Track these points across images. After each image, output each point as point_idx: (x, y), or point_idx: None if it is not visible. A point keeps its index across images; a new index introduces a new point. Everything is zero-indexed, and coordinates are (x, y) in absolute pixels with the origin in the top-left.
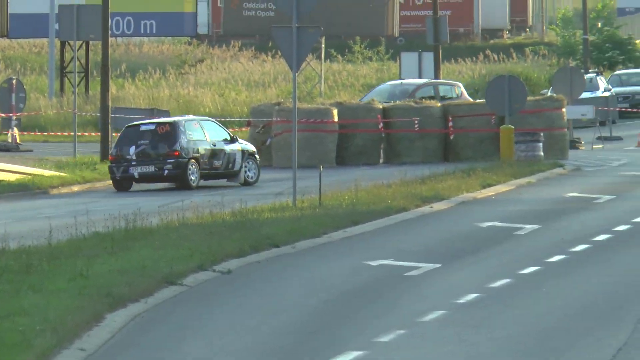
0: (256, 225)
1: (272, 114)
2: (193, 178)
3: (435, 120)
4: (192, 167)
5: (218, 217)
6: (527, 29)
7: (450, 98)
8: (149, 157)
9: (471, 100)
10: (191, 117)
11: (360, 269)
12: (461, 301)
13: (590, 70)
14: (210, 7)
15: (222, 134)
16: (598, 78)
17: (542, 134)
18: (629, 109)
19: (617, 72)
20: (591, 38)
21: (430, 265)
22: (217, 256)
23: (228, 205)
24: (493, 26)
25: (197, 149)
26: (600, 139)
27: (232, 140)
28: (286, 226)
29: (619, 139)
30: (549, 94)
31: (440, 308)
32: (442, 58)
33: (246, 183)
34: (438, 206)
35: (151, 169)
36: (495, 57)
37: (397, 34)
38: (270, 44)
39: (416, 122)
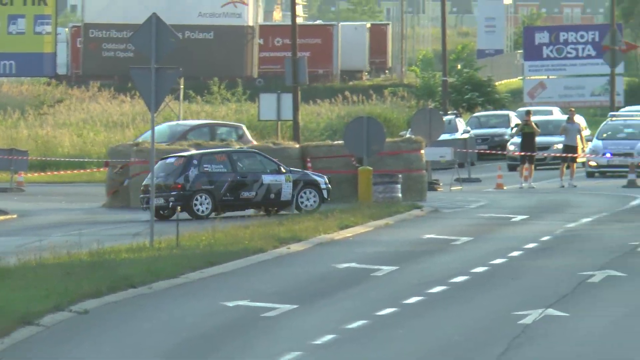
0: (113, 266)
1: (130, 155)
2: (202, 209)
3: (293, 161)
4: (201, 199)
5: (75, 257)
6: (387, 71)
7: (230, 140)
8: (159, 189)
9: (254, 141)
10: (224, 149)
11: (216, 310)
12: (317, 342)
13: (449, 112)
14: (70, 48)
15: (270, 165)
16: (457, 120)
17: (400, 176)
18: (488, 151)
19: (476, 114)
20: (450, 80)
21: (287, 306)
22: (74, 296)
23: (86, 245)
24: (352, 68)
25: (212, 181)
26: (459, 180)
27: (279, 172)
28: (143, 267)
29: (477, 180)
30: (407, 135)
31: (296, 349)
32: (301, 99)
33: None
34: (295, 247)
35: (160, 200)
36: (355, 98)
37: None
38: (129, 85)
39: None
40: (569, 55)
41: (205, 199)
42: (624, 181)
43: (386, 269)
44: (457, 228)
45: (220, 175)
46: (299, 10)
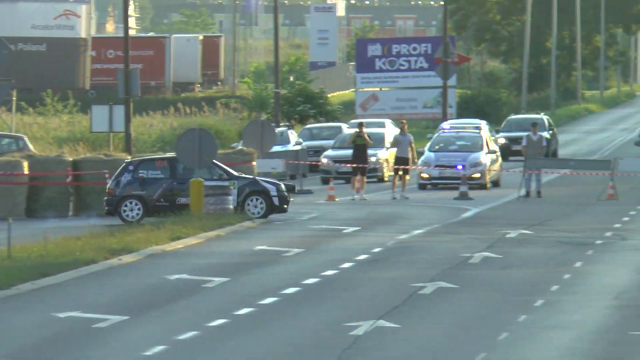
0: None
1: None
2: (131, 214)
3: None
4: (130, 204)
5: None
6: (219, 83)
7: (11, 152)
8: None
9: (35, 152)
10: (167, 155)
11: (48, 321)
12: (148, 353)
13: (281, 124)
14: None
15: (216, 173)
16: (289, 132)
17: (231, 188)
18: (320, 163)
19: (308, 125)
20: (283, 92)
21: (118, 317)
22: None
23: None
24: (185, 79)
25: (145, 187)
26: (291, 192)
27: (229, 179)
28: None
29: (309, 192)
30: (239, 147)
31: None
32: (133, 111)
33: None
34: (127, 259)
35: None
36: (187, 110)
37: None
38: None
39: (107, 174)
40: (401, 68)
41: (136, 205)
42: (455, 193)
43: (217, 280)
44: (289, 239)
45: (155, 181)
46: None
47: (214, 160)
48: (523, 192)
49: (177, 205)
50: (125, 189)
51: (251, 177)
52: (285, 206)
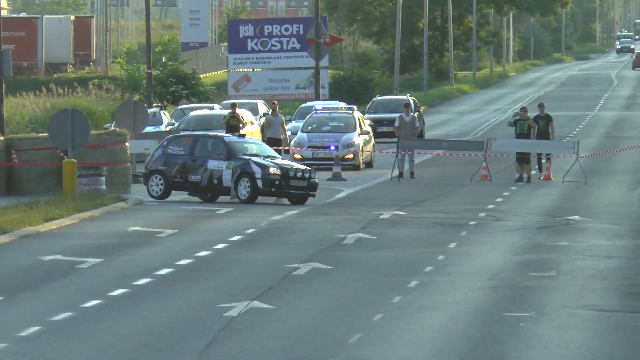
0: None
1: None
2: (156, 189)
3: None
4: (156, 179)
5: None
6: (91, 63)
7: None
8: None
9: None
10: (196, 132)
11: None
12: (22, 334)
13: (153, 105)
14: None
15: (223, 152)
16: (161, 112)
17: (104, 168)
18: None
19: (181, 106)
20: (155, 72)
21: None
22: None
23: None
24: (57, 60)
25: (167, 162)
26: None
27: (223, 159)
28: None
29: None
30: (112, 128)
31: (1, 341)
32: (6, 92)
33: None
34: (0, 239)
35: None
36: (60, 90)
37: None
38: None
39: None
40: (273, 48)
41: (160, 180)
42: (329, 174)
43: (91, 261)
44: (162, 220)
45: (176, 157)
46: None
47: (224, 137)
48: (396, 172)
49: (189, 182)
50: (153, 164)
51: (247, 157)
52: (273, 189)
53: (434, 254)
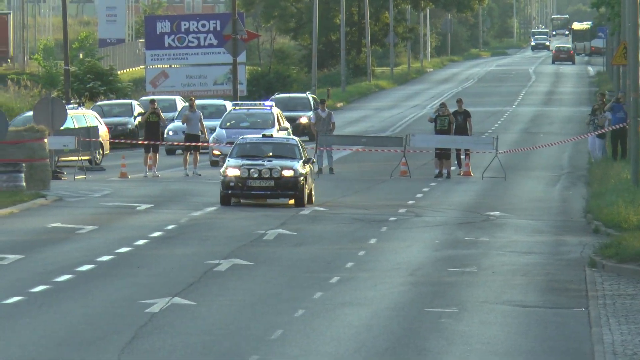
0: None
1: None
2: None
3: None
4: None
5: None
6: (9, 60)
7: None
8: None
9: None
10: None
11: None
12: None
13: (72, 101)
14: None
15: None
16: (80, 109)
17: (23, 165)
18: (112, 140)
19: (99, 102)
20: (73, 69)
21: None
22: None
23: None
24: None
25: None
26: (83, 169)
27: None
28: None
29: (101, 169)
30: (30, 124)
31: None
32: None
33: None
34: None
35: None
36: None
37: None
38: None
39: None
40: (190, 45)
41: None
42: None
43: (12, 257)
44: (82, 217)
45: None
46: None
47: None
48: (315, 169)
49: None
50: None
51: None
52: (229, 192)
53: (354, 250)
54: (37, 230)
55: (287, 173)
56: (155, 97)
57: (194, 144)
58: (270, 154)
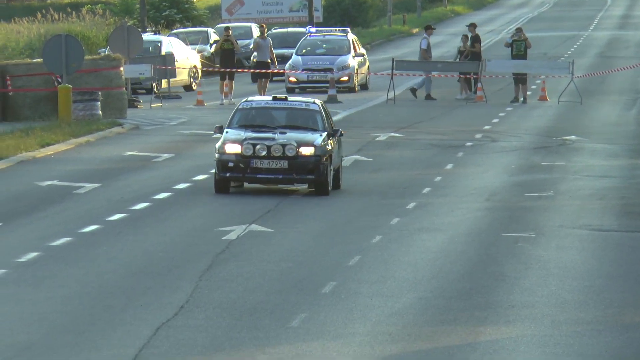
0: None
1: None
2: None
3: None
4: None
5: None
6: None
7: None
8: None
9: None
10: None
11: None
12: (21, 260)
13: (147, 29)
14: None
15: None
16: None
17: (100, 93)
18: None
19: (175, 30)
20: None
21: None
22: None
23: None
24: None
25: None
26: (159, 97)
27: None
28: None
29: (177, 97)
30: (106, 53)
31: (0, 267)
32: None
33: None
34: None
35: None
36: (56, 16)
37: None
38: None
39: None
40: None
41: None
42: (324, 97)
43: (88, 186)
44: (159, 145)
45: None
46: None
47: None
48: (391, 95)
49: None
50: None
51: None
52: (228, 174)
53: (431, 176)
54: (114, 158)
55: (306, 150)
56: (230, 25)
57: (264, 70)
58: (284, 123)
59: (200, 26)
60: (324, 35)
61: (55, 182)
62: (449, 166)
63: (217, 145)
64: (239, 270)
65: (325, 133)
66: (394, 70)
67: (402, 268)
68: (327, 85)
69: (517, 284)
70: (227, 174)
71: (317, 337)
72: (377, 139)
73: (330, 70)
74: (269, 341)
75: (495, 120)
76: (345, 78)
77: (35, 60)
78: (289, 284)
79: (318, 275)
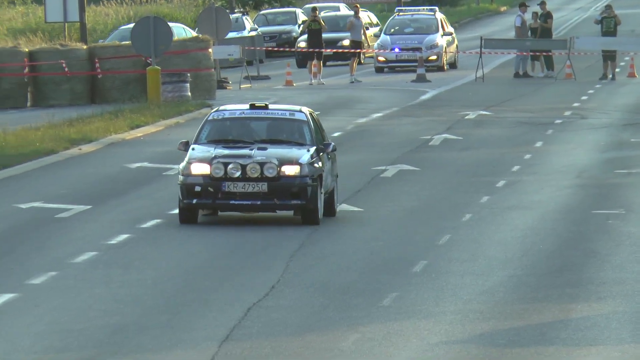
0: None
1: None
2: None
3: (81, 63)
4: None
5: None
6: None
7: None
8: None
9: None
10: None
11: (10, 212)
12: (112, 242)
13: (236, 10)
14: None
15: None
16: (244, 18)
17: (188, 75)
18: (276, 48)
19: (263, 11)
20: None
21: (81, 207)
22: None
23: None
24: None
25: None
26: (248, 78)
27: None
28: None
29: (266, 78)
30: (194, 34)
31: (91, 249)
32: (88, 1)
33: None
34: (87, 148)
35: None
36: None
37: None
38: None
39: (64, 64)
40: None
41: None
42: (413, 76)
43: (176, 167)
44: None
45: None
46: None
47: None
48: (480, 73)
49: None
50: None
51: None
52: (194, 201)
53: (520, 153)
54: None
55: (290, 170)
56: (317, 5)
57: (357, 50)
58: (264, 137)
59: (289, 6)
60: (412, 15)
61: (145, 163)
62: (538, 144)
63: (182, 165)
64: (330, 249)
65: (314, 148)
66: (483, 49)
67: (492, 246)
68: (416, 64)
69: (608, 261)
70: (194, 201)
71: (409, 316)
72: (466, 117)
73: (418, 49)
74: (361, 320)
75: (584, 98)
76: (434, 57)
77: (123, 42)
78: (380, 263)
79: (409, 254)
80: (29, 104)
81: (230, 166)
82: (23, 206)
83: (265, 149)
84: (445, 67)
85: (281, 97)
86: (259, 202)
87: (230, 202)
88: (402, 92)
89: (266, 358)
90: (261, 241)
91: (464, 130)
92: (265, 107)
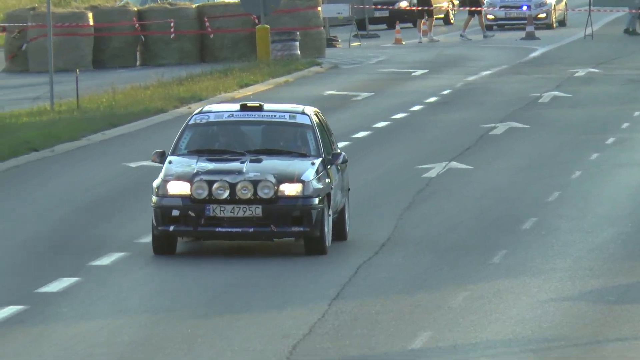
0: (14, 130)
1: (27, 19)
2: None
3: (190, 22)
4: None
5: None
6: None
7: None
8: None
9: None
10: None
11: (119, 171)
12: None
13: None
14: None
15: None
16: None
17: (298, 33)
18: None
19: None
20: None
21: None
22: None
23: None
24: None
25: None
26: (357, 36)
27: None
28: (44, 130)
29: (376, 36)
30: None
31: None
32: None
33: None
34: (196, 107)
35: None
36: None
37: None
38: None
39: (172, 23)
40: None
41: None
42: (522, 33)
43: None
44: (357, 84)
45: None
46: None
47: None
48: (589, 31)
49: None
50: None
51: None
52: (172, 228)
53: (630, 111)
54: (313, 98)
55: (290, 189)
56: None
57: (475, 8)
58: (258, 147)
59: None
60: None
61: None
62: None
63: (156, 182)
64: (439, 207)
65: (320, 160)
66: (592, 6)
67: (601, 203)
68: (525, 22)
69: None
70: (171, 228)
71: (518, 274)
72: (575, 74)
73: (527, 7)
74: (470, 278)
75: None
76: (543, 15)
77: (232, 1)
78: (489, 221)
79: (518, 212)
80: (138, 62)
81: (215, 185)
82: (132, 165)
83: (259, 161)
84: (554, 25)
85: (390, 56)
86: (251, 230)
87: (217, 229)
88: (511, 49)
89: (376, 316)
90: (371, 200)
91: (573, 87)
92: (260, 108)
